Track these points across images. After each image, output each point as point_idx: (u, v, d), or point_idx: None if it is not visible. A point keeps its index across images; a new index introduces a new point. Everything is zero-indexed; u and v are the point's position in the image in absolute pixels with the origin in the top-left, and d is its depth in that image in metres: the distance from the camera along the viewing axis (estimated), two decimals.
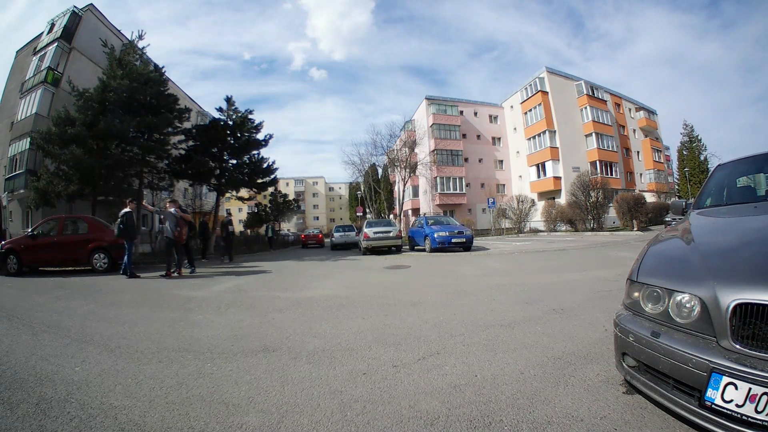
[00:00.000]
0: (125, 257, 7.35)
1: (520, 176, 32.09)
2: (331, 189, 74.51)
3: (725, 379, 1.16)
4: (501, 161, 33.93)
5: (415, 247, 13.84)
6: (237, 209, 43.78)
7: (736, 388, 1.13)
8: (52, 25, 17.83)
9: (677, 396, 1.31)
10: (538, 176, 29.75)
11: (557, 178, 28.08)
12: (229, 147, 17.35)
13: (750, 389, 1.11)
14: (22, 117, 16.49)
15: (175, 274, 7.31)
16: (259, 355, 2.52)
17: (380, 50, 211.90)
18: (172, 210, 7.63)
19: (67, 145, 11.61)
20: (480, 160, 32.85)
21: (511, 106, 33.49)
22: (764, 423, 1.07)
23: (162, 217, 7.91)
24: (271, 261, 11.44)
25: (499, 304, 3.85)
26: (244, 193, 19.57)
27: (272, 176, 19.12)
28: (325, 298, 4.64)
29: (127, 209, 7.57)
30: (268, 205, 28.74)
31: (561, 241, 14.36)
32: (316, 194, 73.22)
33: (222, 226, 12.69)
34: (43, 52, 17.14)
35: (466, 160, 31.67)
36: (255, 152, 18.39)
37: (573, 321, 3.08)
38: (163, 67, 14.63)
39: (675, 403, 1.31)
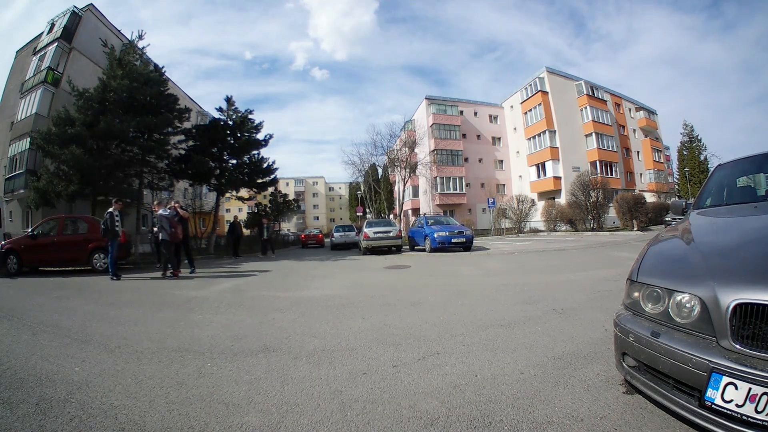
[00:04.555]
0: (108, 258, 7.34)
1: (520, 176, 32.09)
2: (331, 189, 74.47)
3: (725, 379, 1.16)
4: (501, 161, 33.93)
5: (415, 247, 13.83)
6: (237, 209, 43.79)
7: (736, 388, 1.13)
8: (52, 25, 17.82)
9: (677, 396, 1.31)
10: (538, 176, 29.75)
11: (557, 178, 28.08)
12: (229, 147, 17.36)
13: (750, 389, 1.11)
14: (22, 117, 16.48)
15: (170, 274, 7.27)
16: (259, 355, 2.52)
17: (383, 50, 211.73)
18: (160, 212, 7.56)
19: (67, 145, 11.60)
20: (480, 160, 32.86)
21: (511, 106, 33.49)
22: (764, 423, 1.07)
23: (155, 220, 7.74)
24: (271, 261, 11.45)
25: (499, 304, 3.84)
26: (244, 193, 19.57)
27: (272, 176, 19.14)
28: (325, 298, 4.64)
29: (110, 209, 7.51)
30: (268, 205, 28.75)
31: (561, 241, 14.36)
32: (316, 194, 73.18)
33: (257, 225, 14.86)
34: (43, 52, 17.13)
35: (466, 160, 31.68)
36: (255, 152, 18.42)
37: (573, 321, 3.07)
38: (163, 67, 14.65)
39: (675, 403, 1.31)
